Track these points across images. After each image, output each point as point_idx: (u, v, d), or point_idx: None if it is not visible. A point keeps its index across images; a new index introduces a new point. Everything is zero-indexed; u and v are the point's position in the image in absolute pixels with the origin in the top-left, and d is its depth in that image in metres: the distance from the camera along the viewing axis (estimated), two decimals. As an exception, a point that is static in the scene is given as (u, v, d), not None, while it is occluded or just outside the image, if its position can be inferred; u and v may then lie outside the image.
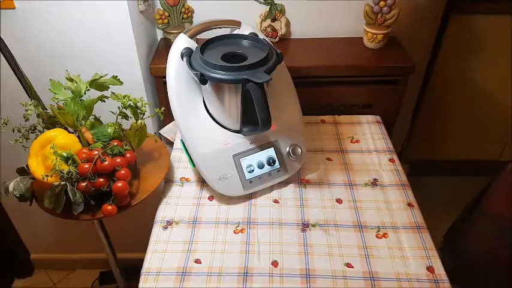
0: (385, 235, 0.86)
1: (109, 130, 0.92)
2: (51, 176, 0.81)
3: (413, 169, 1.73)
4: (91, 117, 0.96)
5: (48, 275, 1.70)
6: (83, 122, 0.92)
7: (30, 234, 1.60)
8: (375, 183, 0.98)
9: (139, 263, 0.83)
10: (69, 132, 0.92)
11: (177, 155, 1.07)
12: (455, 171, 1.68)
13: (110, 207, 0.85)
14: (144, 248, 0.85)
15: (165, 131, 1.16)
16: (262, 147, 0.94)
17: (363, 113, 1.21)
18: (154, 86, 1.22)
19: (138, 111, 0.89)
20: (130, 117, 0.92)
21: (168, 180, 1.00)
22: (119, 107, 0.89)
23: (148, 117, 0.92)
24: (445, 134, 1.68)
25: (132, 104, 0.88)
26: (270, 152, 0.94)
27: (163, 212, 0.92)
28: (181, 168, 1.04)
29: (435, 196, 1.53)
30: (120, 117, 0.91)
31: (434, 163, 1.76)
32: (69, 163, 0.84)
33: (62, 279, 1.69)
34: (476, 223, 0.98)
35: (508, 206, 0.91)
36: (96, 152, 0.85)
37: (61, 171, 0.80)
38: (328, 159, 1.05)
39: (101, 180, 0.84)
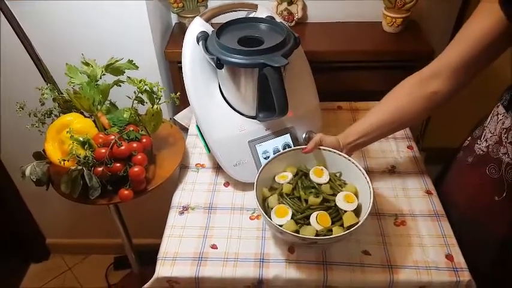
0: (403, 223, 0.85)
1: (125, 115, 0.92)
2: (68, 161, 0.81)
3: (429, 157, 1.70)
4: (107, 102, 0.96)
5: (63, 259, 1.73)
6: (99, 106, 0.91)
7: (46, 219, 1.62)
8: (392, 170, 0.97)
9: (154, 248, 0.83)
10: (85, 117, 0.92)
11: (192, 140, 1.07)
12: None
13: (126, 192, 0.85)
14: (159, 234, 0.85)
15: (180, 117, 1.15)
16: (278, 133, 0.93)
17: (380, 99, 1.18)
18: (168, 71, 1.21)
19: (154, 96, 0.88)
20: (146, 102, 0.91)
21: (184, 166, 0.99)
22: (134, 92, 0.88)
23: (164, 102, 0.91)
24: (462, 122, 1.64)
25: (148, 88, 0.87)
26: (286, 139, 0.93)
27: (179, 197, 0.92)
28: (197, 154, 1.03)
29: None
30: (136, 102, 0.90)
31: (450, 151, 1.73)
32: (85, 148, 0.84)
33: (77, 263, 1.72)
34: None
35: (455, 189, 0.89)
36: (113, 137, 0.85)
37: (78, 156, 0.81)
38: (345, 146, 1.04)
39: (118, 165, 0.84)
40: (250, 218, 0.87)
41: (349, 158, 0.83)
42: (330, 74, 1.17)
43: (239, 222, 0.86)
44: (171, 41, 1.20)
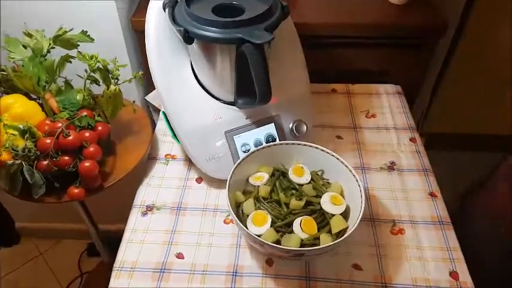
0: (401, 231, 0.74)
1: (78, 97, 0.78)
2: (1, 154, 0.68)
3: (429, 142, 1.58)
4: (61, 81, 0.81)
5: (35, 244, 1.63)
6: (47, 86, 0.77)
7: (14, 201, 1.50)
8: (391, 167, 0.84)
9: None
10: (31, 98, 0.77)
11: (163, 126, 0.92)
12: (477, 147, 1.52)
13: (76, 191, 0.72)
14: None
15: (151, 97, 1.01)
16: (260, 122, 0.79)
17: (380, 81, 1.04)
18: (137, 43, 1.05)
19: (110, 75, 0.73)
20: (102, 83, 0.76)
21: (151, 157, 0.86)
22: (85, 70, 0.74)
23: (124, 82, 0.77)
24: (468, 105, 1.50)
25: (101, 66, 0.72)
26: (270, 129, 0.80)
27: (144, 194, 0.80)
28: (168, 142, 0.90)
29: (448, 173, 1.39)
30: (88, 82, 0.76)
31: (453, 137, 1.60)
32: (26, 137, 0.70)
33: (49, 248, 1.61)
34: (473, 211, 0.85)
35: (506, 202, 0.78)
36: (60, 124, 0.71)
37: (14, 148, 0.67)
38: (338, 137, 0.90)
39: (66, 158, 0.71)
40: (225, 222, 0.75)
41: (333, 153, 0.71)
42: (323, 51, 1.02)
43: (211, 227, 0.74)
44: (140, 7, 1.03)
